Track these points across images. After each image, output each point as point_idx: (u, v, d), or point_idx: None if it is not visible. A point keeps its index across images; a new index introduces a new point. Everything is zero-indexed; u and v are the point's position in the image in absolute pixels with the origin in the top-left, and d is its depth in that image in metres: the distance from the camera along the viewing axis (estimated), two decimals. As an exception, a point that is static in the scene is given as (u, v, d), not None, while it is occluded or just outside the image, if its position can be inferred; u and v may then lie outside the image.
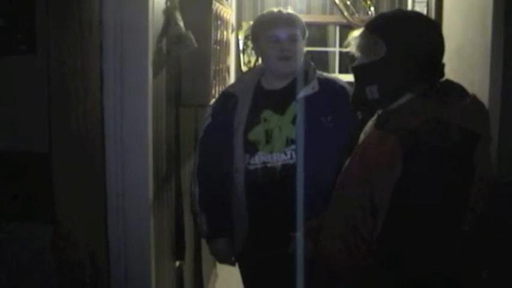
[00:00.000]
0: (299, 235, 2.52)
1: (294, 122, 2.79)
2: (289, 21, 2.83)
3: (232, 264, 3.11)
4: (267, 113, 2.83)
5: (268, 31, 2.84)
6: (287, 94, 2.83)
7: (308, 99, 2.79)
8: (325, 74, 2.98)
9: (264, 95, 2.88)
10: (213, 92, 3.79)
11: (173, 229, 3.59)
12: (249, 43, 7.12)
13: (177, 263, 3.71)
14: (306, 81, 2.84)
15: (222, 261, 3.18)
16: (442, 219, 1.91)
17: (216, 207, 2.95)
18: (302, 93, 2.80)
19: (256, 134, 2.82)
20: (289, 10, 2.96)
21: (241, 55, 7.13)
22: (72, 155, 2.53)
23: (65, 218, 2.52)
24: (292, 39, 2.80)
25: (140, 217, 2.81)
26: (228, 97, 2.96)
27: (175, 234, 3.64)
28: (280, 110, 2.82)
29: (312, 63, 2.94)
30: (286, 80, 2.86)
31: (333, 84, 2.88)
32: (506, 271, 2.52)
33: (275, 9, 2.96)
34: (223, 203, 2.93)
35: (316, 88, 2.82)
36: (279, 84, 2.87)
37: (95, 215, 2.66)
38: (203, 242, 4.23)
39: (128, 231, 2.77)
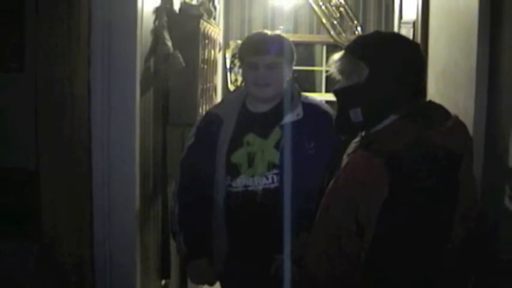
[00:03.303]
0: (285, 257, 2.52)
1: (276, 146, 2.77)
2: (270, 48, 2.78)
3: (211, 284, 3.09)
4: (250, 136, 2.81)
5: (248, 57, 2.82)
6: (271, 118, 2.81)
7: (292, 125, 2.77)
8: (310, 98, 2.95)
9: (248, 117, 2.87)
10: (200, 111, 3.80)
11: (159, 247, 3.58)
12: (236, 62, 7.14)
13: (163, 282, 3.70)
14: (290, 106, 2.83)
15: (198, 282, 3.16)
16: (429, 238, 1.91)
17: (196, 228, 2.91)
18: (287, 119, 2.79)
19: (239, 156, 2.80)
20: (278, 32, 2.95)
21: (228, 74, 7.15)
22: (59, 173, 2.54)
23: (52, 234, 2.52)
24: (270, 67, 2.76)
25: (126, 235, 2.81)
26: (212, 118, 2.93)
27: (161, 252, 3.64)
28: (264, 133, 2.80)
29: (297, 86, 2.93)
30: (270, 103, 2.84)
31: (317, 109, 2.86)
32: (492, 278, 2.53)
33: (263, 32, 2.95)
34: (203, 223, 2.90)
35: (301, 115, 2.79)
36: (263, 107, 2.85)
37: (82, 232, 2.66)
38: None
39: (114, 249, 2.77)
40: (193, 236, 2.92)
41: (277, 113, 2.81)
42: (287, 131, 2.77)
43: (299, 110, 2.81)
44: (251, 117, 2.86)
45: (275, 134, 2.79)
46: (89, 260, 2.71)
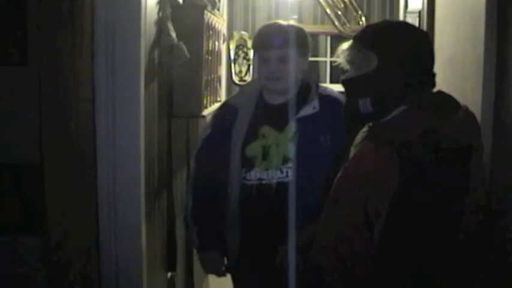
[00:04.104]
0: (289, 249, 2.52)
1: (292, 140, 2.76)
2: (281, 41, 2.75)
3: (223, 275, 3.09)
4: (265, 129, 2.80)
5: (259, 51, 2.81)
6: (287, 110, 2.78)
7: (308, 118, 2.75)
8: (328, 90, 2.90)
9: (265, 109, 2.84)
10: (205, 102, 3.78)
11: (165, 240, 3.57)
12: (240, 53, 7.12)
13: (169, 274, 3.69)
14: (307, 99, 2.81)
15: (210, 272, 3.16)
16: (440, 230, 1.90)
17: (208, 220, 2.92)
18: (302, 112, 2.76)
19: (253, 149, 2.79)
20: (291, 22, 2.90)
21: (233, 65, 7.13)
22: (64, 168, 2.52)
23: (57, 231, 2.51)
24: (281, 60, 2.74)
25: (132, 229, 2.80)
26: (228, 109, 2.92)
27: (167, 246, 3.63)
28: (279, 126, 2.78)
29: (314, 77, 2.89)
30: (287, 95, 2.81)
31: (334, 102, 2.81)
32: (501, 273, 2.51)
33: (275, 23, 2.90)
34: (216, 215, 2.90)
35: (317, 108, 2.77)
36: (279, 99, 2.82)
37: (87, 227, 2.65)
38: (195, 252, 4.22)
39: (119, 243, 2.76)
40: (205, 228, 2.94)
41: (293, 105, 2.79)
42: (302, 124, 2.75)
43: (315, 103, 2.79)
44: (267, 109, 2.84)
45: (291, 127, 2.77)
46: (95, 254, 2.70)
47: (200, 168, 2.96)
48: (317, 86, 2.86)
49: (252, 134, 2.80)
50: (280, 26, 2.85)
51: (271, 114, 2.81)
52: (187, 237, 4.08)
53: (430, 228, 1.88)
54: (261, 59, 2.81)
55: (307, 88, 2.83)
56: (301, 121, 2.76)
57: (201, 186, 2.94)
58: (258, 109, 2.85)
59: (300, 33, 2.82)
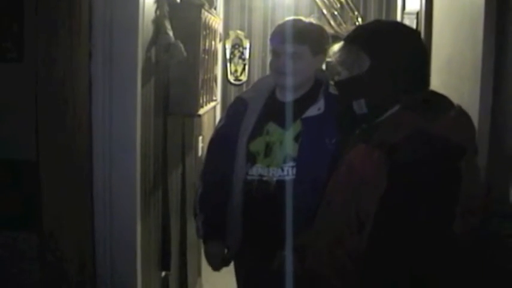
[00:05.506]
0: (286, 253, 2.51)
1: (296, 139, 2.75)
2: (289, 36, 2.74)
3: (225, 265, 3.08)
4: (270, 126, 2.80)
5: (270, 44, 2.84)
6: (295, 109, 2.77)
7: (313, 119, 2.74)
8: None
9: (274, 105, 2.85)
10: (201, 101, 3.77)
11: (160, 239, 3.57)
12: (236, 52, 7.12)
13: (163, 273, 3.69)
14: (316, 99, 2.79)
15: (212, 264, 3.14)
16: (427, 233, 1.86)
17: (214, 210, 2.95)
18: (308, 112, 2.75)
19: (257, 145, 2.80)
20: (312, 20, 2.86)
21: (228, 64, 7.12)
22: (60, 165, 2.51)
23: (52, 228, 2.50)
24: (288, 55, 2.72)
25: (127, 227, 2.80)
26: (240, 103, 2.95)
27: (162, 245, 3.62)
28: (285, 124, 2.78)
29: (326, 77, 2.87)
30: (296, 92, 2.80)
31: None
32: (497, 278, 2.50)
33: (290, 19, 2.85)
34: (222, 207, 2.92)
35: (322, 109, 2.75)
36: (289, 96, 2.82)
37: (82, 225, 2.64)
38: (188, 252, 4.22)
39: (114, 242, 2.76)
40: (210, 218, 2.97)
41: (301, 104, 2.78)
42: (308, 125, 2.74)
43: (320, 105, 2.77)
44: (276, 105, 2.85)
45: (296, 126, 2.76)
46: (90, 252, 2.69)
47: (211, 159, 3.02)
48: (328, 86, 2.83)
49: (257, 130, 2.81)
50: (292, 22, 2.83)
51: (278, 112, 2.81)
52: (181, 236, 4.08)
53: (416, 231, 1.85)
54: (271, 52, 2.85)
55: (319, 87, 2.82)
56: (306, 121, 2.74)
57: (210, 176, 2.99)
58: (267, 105, 2.86)
59: (315, 32, 2.80)
